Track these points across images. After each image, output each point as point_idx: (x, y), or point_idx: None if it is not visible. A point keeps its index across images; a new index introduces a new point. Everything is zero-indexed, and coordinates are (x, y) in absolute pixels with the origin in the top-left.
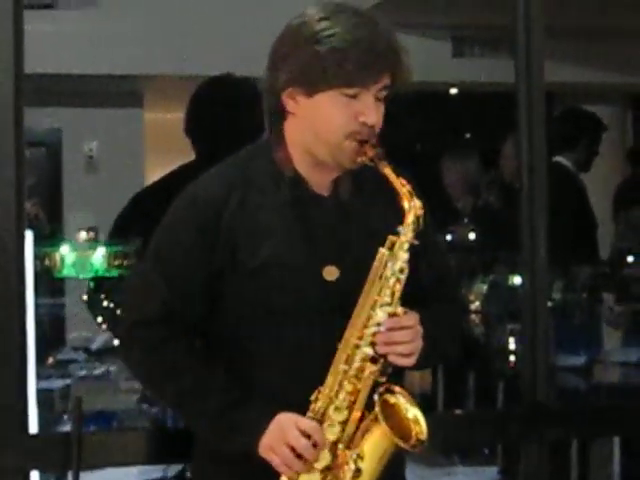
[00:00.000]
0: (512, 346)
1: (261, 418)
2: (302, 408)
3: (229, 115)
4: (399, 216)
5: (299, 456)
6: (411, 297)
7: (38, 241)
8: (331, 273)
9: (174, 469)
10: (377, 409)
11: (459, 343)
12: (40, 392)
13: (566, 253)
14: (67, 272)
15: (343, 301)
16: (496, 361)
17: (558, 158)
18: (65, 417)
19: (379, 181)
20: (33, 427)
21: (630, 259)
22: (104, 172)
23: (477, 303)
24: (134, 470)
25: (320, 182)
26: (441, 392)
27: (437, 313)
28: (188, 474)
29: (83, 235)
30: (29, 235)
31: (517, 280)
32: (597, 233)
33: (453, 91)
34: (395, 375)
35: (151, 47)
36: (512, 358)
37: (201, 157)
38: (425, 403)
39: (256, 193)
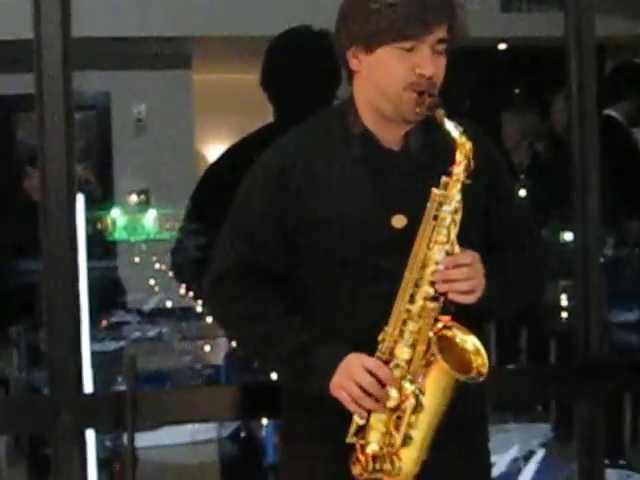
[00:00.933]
0: (564, 303)
1: (332, 359)
2: (373, 350)
3: (306, 68)
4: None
5: (367, 394)
6: (489, 244)
7: (89, 205)
8: (400, 221)
9: (228, 428)
10: (433, 346)
11: (538, 289)
12: (95, 354)
13: (617, 208)
14: (119, 235)
15: (411, 247)
16: (548, 318)
17: (609, 111)
18: (120, 379)
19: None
20: (88, 388)
21: None
22: (153, 135)
23: None
24: (188, 429)
25: (390, 138)
26: (493, 349)
27: (511, 259)
28: (242, 434)
29: (134, 198)
30: (81, 199)
31: (568, 236)
32: None
33: (502, 46)
34: (475, 325)
35: (199, 8)
36: (564, 315)
37: (279, 115)
38: None
39: (327, 151)
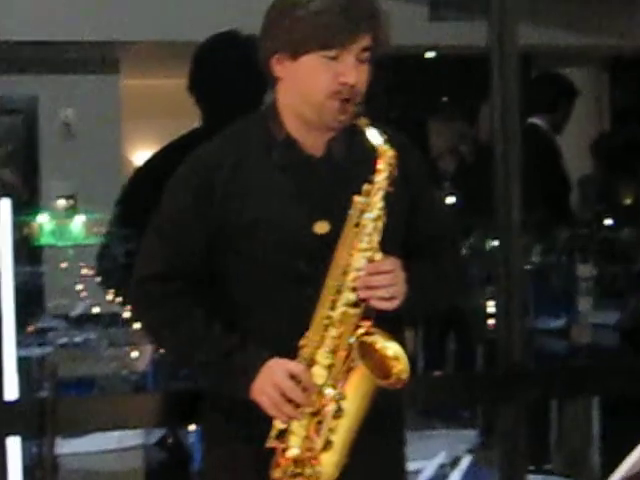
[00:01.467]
0: (491, 309)
1: (253, 364)
2: (295, 355)
3: (233, 73)
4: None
5: (289, 399)
6: (408, 250)
7: (16, 210)
8: (322, 227)
9: (155, 435)
10: (354, 352)
11: (454, 295)
12: (20, 360)
13: (540, 215)
14: (46, 240)
15: (333, 254)
16: (475, 324)
17: (533, 120)
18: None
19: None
20: (13, 394)
21: (609, 222)
22: (81, 139)
23: None
24: (115, 436)
25: (313, 144)
26: (421, 355)
27: (430, 265)
28: (169, 440)
29: (62, 203)
30: (7, 203)
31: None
32: (570, 195)
33: (430, 54)
34: (396, 330)
35: (127, 13)
36: (491, 321)
37: (206, 119)
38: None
39: (250, 157)
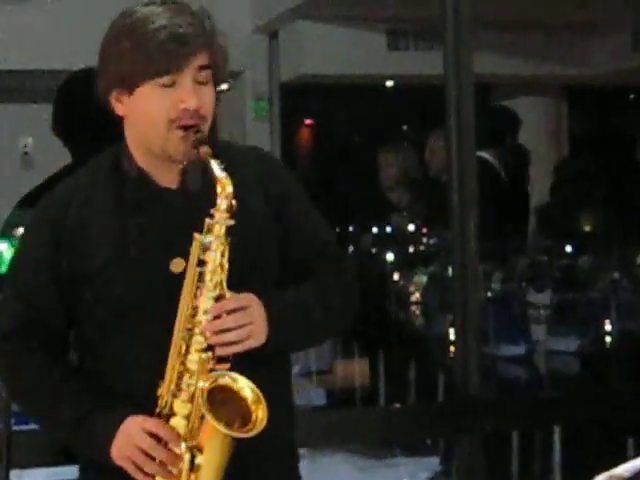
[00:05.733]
0: (452, 337)
1: (110, 425)
2: (155, 404)
3: (94, 111)
4: (249, 201)
5: (151, 458)
6: (287, 273)
7: None
8: (178, 265)
9: None
10: (201, 400)
11: (342, 313)
12: None
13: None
14: (6, 269)
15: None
16: (436, 352)
17: (481, 153)
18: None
19: (231, 169)
20: None
21: (569, 249)
22: (40, 168)
23: (417, 294)
24: (74, 468)
25: (167, 176)
26: (382, 384)
27: (310, 287)
28: None
29: (21, 231)
30: None
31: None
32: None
33: (389, 84)
34: (272, 367)
35: (86, 41)
36: (452, 349)
37: (74, 158)
38: (366, 396)
39: (101, 197)
